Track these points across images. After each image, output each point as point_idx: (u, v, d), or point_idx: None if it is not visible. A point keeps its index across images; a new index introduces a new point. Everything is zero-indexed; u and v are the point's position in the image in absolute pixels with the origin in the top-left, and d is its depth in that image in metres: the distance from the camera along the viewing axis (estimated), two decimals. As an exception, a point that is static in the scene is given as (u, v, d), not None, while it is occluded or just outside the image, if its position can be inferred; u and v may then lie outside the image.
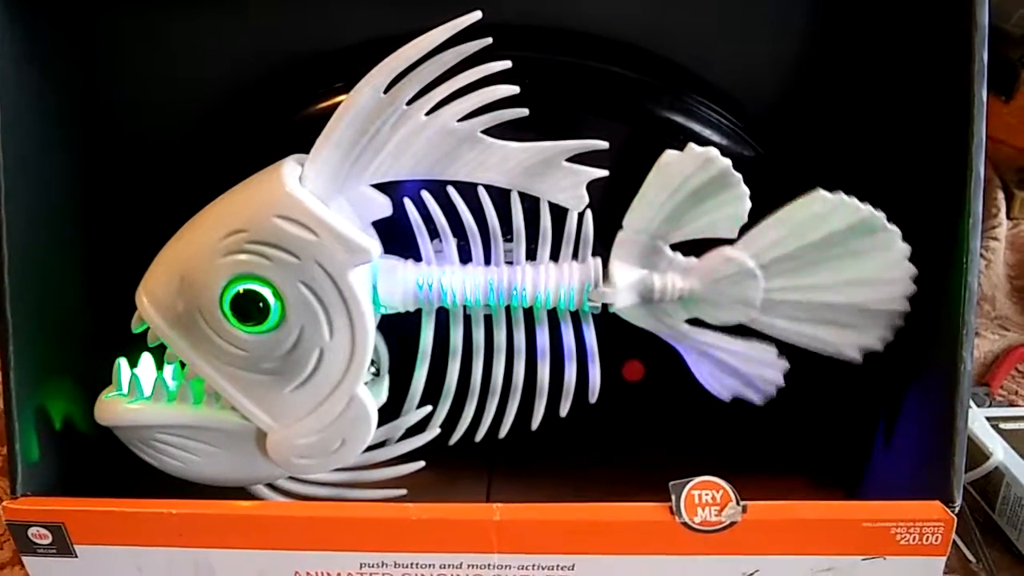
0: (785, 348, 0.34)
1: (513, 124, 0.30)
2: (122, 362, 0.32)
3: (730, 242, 0.32)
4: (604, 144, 0.30)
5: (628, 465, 0.39)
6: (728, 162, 0.30)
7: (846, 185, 0.31)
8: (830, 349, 0.33)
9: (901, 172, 0.35)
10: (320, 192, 0.30)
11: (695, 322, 0.33)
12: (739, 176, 0.30)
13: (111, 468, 0.34)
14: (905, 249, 0.32)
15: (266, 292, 0.29)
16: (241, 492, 0.34)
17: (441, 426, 0.34)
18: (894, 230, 0.31)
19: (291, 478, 0.34)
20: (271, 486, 0.34)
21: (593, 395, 0.34)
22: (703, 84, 0.36)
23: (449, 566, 0.32)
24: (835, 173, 0.32)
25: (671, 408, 0.39)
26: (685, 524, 0.30)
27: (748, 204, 0.31)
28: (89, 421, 0.32)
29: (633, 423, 0.39)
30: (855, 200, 0.31)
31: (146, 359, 0.33)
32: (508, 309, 0.33)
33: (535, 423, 0.34)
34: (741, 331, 0.33)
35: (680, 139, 0.32)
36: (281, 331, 0.30)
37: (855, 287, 0.32)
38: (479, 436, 0.34)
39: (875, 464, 0.38)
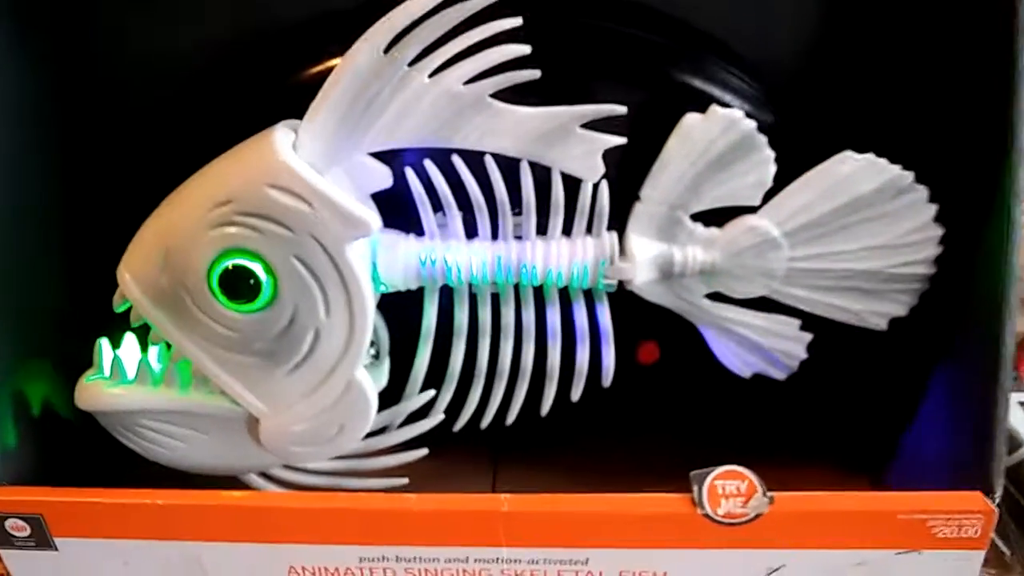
0: (808, 322, 0.33)
1: (521, 90, 0.28)
2: (104, 343, 0.31)
3: (752, 211, 0.31)
4: (622, 109, 0.28)
5: (642, 453, 0.38)
6: (753, 125, 0.29)
7: (869, 152, 0.31)
8: (854, 318, 0.32)
9: (931, 140, 0.33)
10: (315, 161, 0.28)
11: (714, 297, 0.32)
12: (764, 139, 0.30)
13: (93, 456, 0.33)
14: (932, 210, 0.31)
15: (257, 267, 0.28)
16: (232, 481, 0.33)
17: (445, 412, 0.33)
18: (922, 190, 0.31)
19: (285, 466, 0.33)
20: (264, 475, 0.33)
21: (607, 379, 0.33)
22: (721, 47, 0.35)
23: (454, 560, 0.30)
24: (857, 140, 0.31)
25: (688, 391, 0.37)
26: (707, 516, 0.29)
27: (773, 169, 0.30)
28: (69, 406, 0.31)
29: (648, 408, 0.38)
30: (884, 160, 0.30)
31: (129, 340, 0.31)
32: (517, 287, 0.32)
33: (545, 408, 0.33)
34: (760, 304, 0.32)
35: (699, 104, 0.30)
36: (273, 310, 0.28)
37: (880, 252, 0.31)
38: (485, 422, 0.33)
39: (903, 450, 0.36)
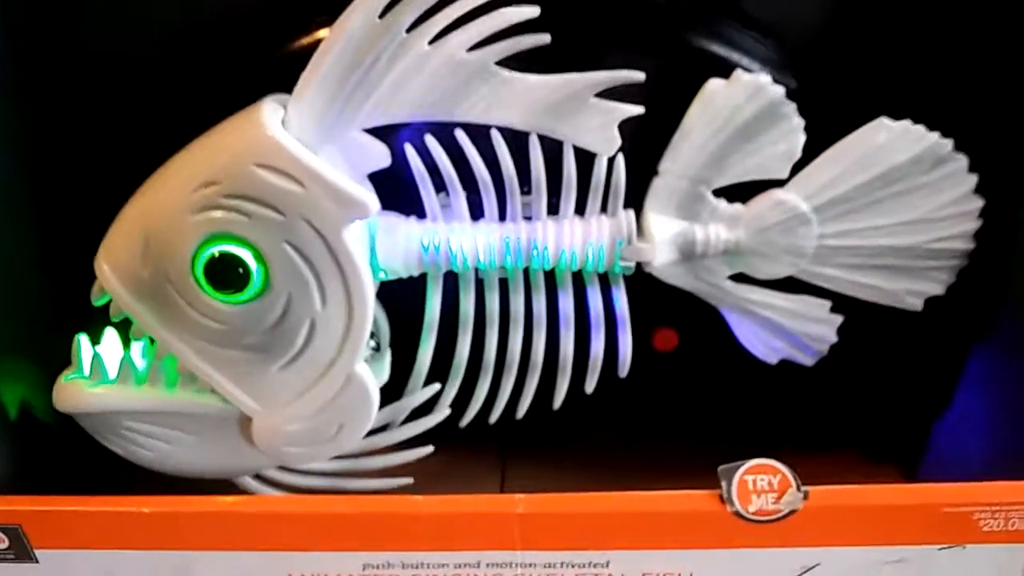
0: (838, 303, 0.31)
1: (528, 59, 0.26)
2: (82, 339, 0.29)
3: (778, 184, 0.29)
4: (640, 75, 0.27)
5: (661, 446, 0.37)
6: (781, 91, 0.28)
7: (903, 119, 0.29)
8: (888, 298, 0.31)
9: (970, 104, 0.32)
10: (306, 137, 0.26)
11: (738, 278, 0.31)
12: (793, 106, 0.28)
13: (75, 461, 0.32)
14: (972, 181, 0.30)
15: (245, 255, 0.26)
16: (225, 485, 0.31)
17: (451, 406, 0.32)
18: (962, 159, 0.29)
19: (281, 468, 0.31)
20: (259, 477, 0.32)
21: (623, 368, 0.31)
22: (737, 9, 0.33)
23: (465, 566, 0.29)
24: (889, 106, 0.30)
25: (707, 380, 0.36)
26: (737, 514, 0.27)
27: (803, 138, 0.28)
28: (48, 407, 0.29)
29: (665, 398, 0.36)
30: (921, 127, 0.29)
31: (110, 335, 0.29)
32: (527, 272, 0.30)
33: (557, 401, 0.31)
34: (786, 285, 0.31)
35: (718, 70, 0.29)
36: (265, 300, 0.27)
37: (917, 226, 0.30)
38: (493, 417, 0.32)
39: (937, 438, 0.35)
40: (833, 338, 0.31)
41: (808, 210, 0.29)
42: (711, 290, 0.30)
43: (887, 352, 0.35)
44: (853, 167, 0.29)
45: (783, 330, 0.31)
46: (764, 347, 0.32)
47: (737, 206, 0.29)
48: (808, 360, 0.32)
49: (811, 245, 0.29)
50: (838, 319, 0.31)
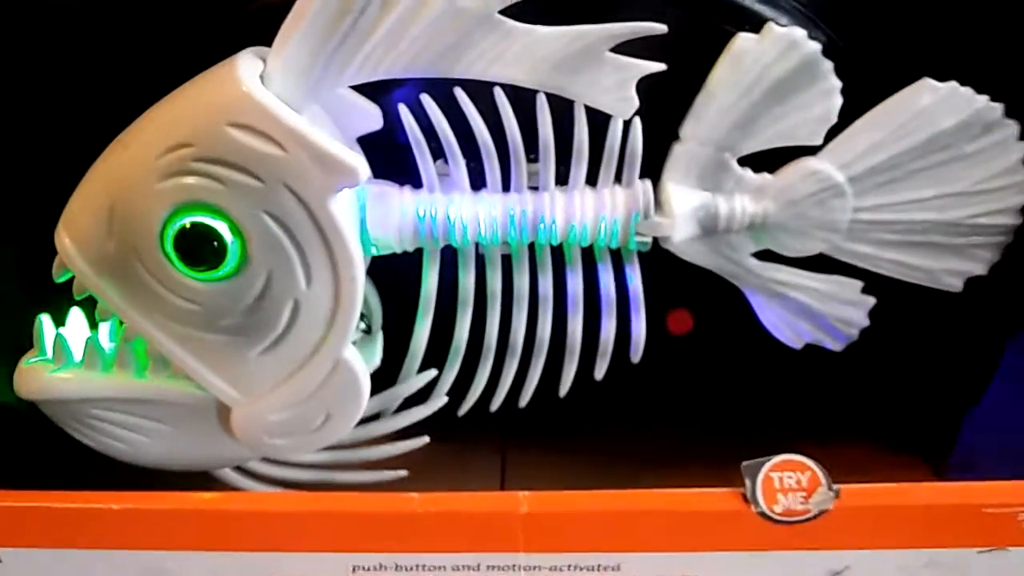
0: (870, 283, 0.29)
1: (534, 9, 0.24)
2: (44, 320, 0.27)
3: (811, 152, 0.27)
4: (662, 27, 0.24)
5: (674, 437, 0.35)
6: (817, 47, 0.25)
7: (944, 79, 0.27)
8: (926, 278, 0.29)
9: (1019, 67, 0.29)
10: (288, 95, 0.24)
11: (763, 256, 0.29)
12: (830, 64, 0.26)
13: (39, 451, 0.30)
14: (1023, 149, 0.27)
15: (220, 226, 0.24)
16: (204, 479, 0.29)
17: (448, 394, 0.30)
18: (1012, 126, 0.27)
19: (265, 459, 0.29)
20: (240, 469, 0.30)
21: (636, 353, 0.29)
22: None
23: (464, 568, 0.27)
24: (929, 66, 0.28)
25: (724, 366, 0.34)
26: (763, 515, 0.26)
27: (839, 101, 0.26)
28: (9, 393, 0.28)
29: (679, 385, 0.34)
30: (969, 90, 0.27)
31: (75, 315, 0.28)
32: (532, 247, 0.28)
33: (564, 388, 0.29)
34: (813, 263, 0.29)
35: (744, 24, 0.27)
36: (242, 278, 0.25)
37: (961, 199, 0.28)
38: (495, 405, 0.30)
39: (970, 429, 0.33)
40: (864, 321, 0.29)
41: (843, 181, 0.27)
42: (733, 268, 0.28)
43: (916, 336, 0.33)
44: (893, 133, 0.27)
45: (811, 313, 0.29)
46: (790, 331, 0.30)
47: (764, 176, 0.27)
48: (837, 345, 0.30)
49: (845, 219, 0.27)
50: (870, 301, 0.29)
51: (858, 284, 0.29)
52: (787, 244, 0.28)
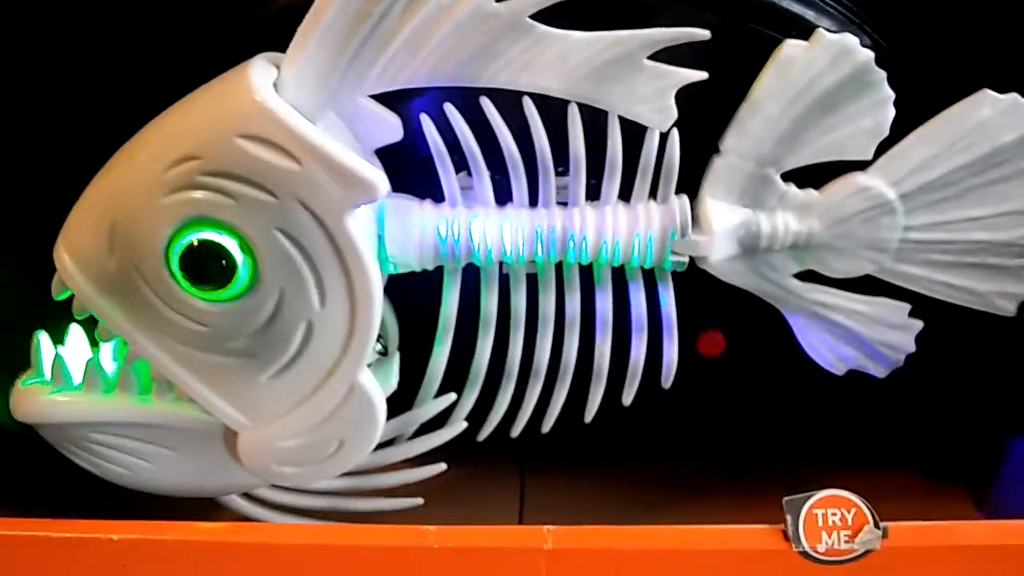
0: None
1: (565, 14, 0.22)
2: (42, 338, 0.26)
3: (859, 167, 0.26)
4: (704, 33, 0.23)
5: (702, 466, 0.34)
6: (870, 55, 0.24)
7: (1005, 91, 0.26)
8: (977, 300, 0.28)
9: None
10: (303, 104, 0.23)
11: (804, 276, 0.27)
12: (883, 74, 0.24)
13: (35, 476, 0.30)
14: None
15: (230, 244, 0.23)
16: (209, 507, 0.28)
17: (467, 418, 0.29)
18: None
19: (274, 485, 0.28)
20: (248, 496, 0.29)
21: (668, 378, 0.28)
22: None
23: None
24: (989, 77, 0.26)
25: (757, 390, 0.33)
26: (804, 554, 0.24)
27: (892, 113, 0.25)
28: (5, 414, 0.27)
29: (710, 410, 0.33)
30: None
31: (75, 334, 0.27)
32: (559, 267, 0.27)
33: (590, 414, 0.28)
34: (857, 285, 0.28)
35: (788, 30, 0.25)
36: (252, 298, 0.24)
37: (1018, 218, 0.26)
38: (515, 431, 0.29)
39: (1012, 458, 0.32)
40: (911, 347, 0.28)
41: (894, 198, 0.25)
42: (773, 290, 0.27)
43: (958, 362, 0.32)
44: (949, 148, 0.25)
45: (855, 337, 0.28)
46: (832, 356, 0.28)
47: (810, 192, 0.26)
48: (881, 372, 0.28)
49: (895, 239, 0.26)
50: (918, 325, 0.28)
51: (905, 307, 0.27)
52: (832, 265, 0.26)
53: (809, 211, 0.26)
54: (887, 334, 0.27)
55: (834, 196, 0.26)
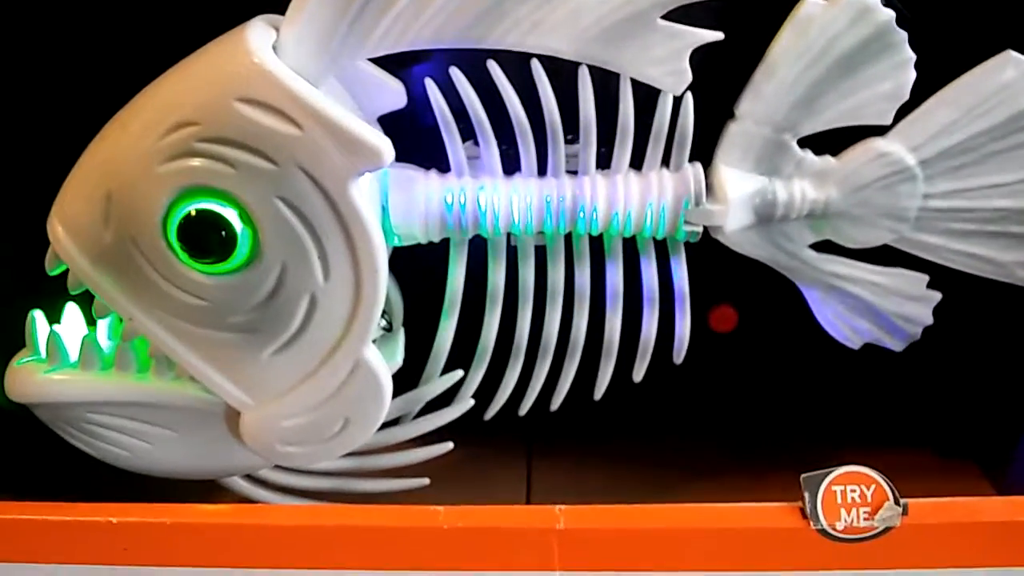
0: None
1: None
2: (37, 316, 0.26)
3: (879, 132, 0.25)
4: None
5: (715, 443, 0.33)
6: (891, 14, 0.23)
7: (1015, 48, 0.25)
8: (997, 271, 0.27)
9: None
10: (304, 67, 0.22)
11: (821, 247, 0.27)
12: (904, 35, 0.24)
13: (32, 458, 0.29)
14: None
15: (229, 214, 0.22)
16: (210, 489, 0.28)
17: (474, 396, 0.28)
18: None
19: (277, 466, 0.28)
20: (250, 478, 0.28)
21: (679, 353, 0.27)
22: None
23: None
24: (1012, 37, 0.26)
25: (768, 366, 0.32)
26: (823, 532, 0.24)
27: (912, 76, 0.24)
28: (2, 395, 0.26)
29: (721, 387, 0.33)
30: None
31: (71, 312, 0.26)
32: (568, 238, 0.26)
33: (600, 390, 0.28)
34: (873, 255, 0.27)
35: None
36: (253, 271, 0.23)
37: None
38: (523, 409, 0.28)
39: None
40: (928, 319, 0.27)
41: (914, 164, 0.25)
42: (789, 261, 0.26)
43: (973, 335, 0.31)
44: (971, 112, 0.25)
45: (872, 309, 0.27)
46: (848, 329, 0.28)
47: (827, 159, 0.25)
48: (898, 345, 0.28)
49: (914, 207, 0.26)
50: (935, 297, 0.27)
51: (924, 278, 0.27)
52: (850, 234, 0.26)
53: (826, 178, 0.25)
54: (904, 306, 0.27)
55: (852, 163, 0.25)
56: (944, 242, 0.26)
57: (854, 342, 0.28)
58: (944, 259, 0.26)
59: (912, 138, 0.25)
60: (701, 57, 0.23)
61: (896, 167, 0.25)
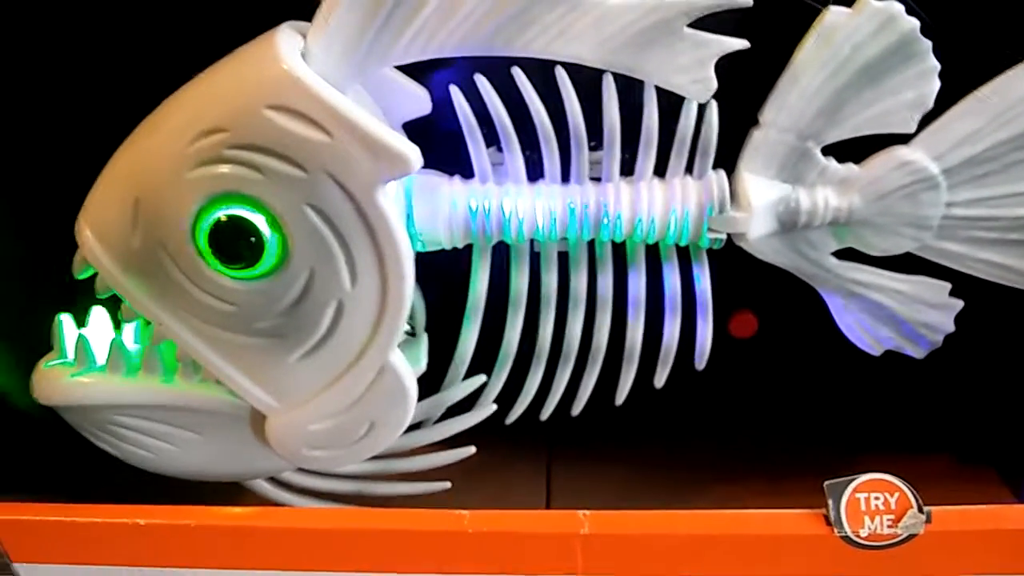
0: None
1: None
2: (64, 319, 0.26)
3: (902, 140, 0.25)
4: (747, 0, 0.22)
5: (735, 449, 0.33)
6: (915, 23, 0.23)
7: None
8: (1019, 279, 0.27)
9: None
10: (331, 74, 0.22)
11: (844, 254, 0.26)
12: (928, 44, 0.23)
13: (60, 460, 0.29)
14: None
15: (258, 220, 0.22)
16: (234, 491, 0.28)
17: (497, 400, 0.28)
18: None
19: (301, 469, 0.28)
20: (273, 480, 0.28)
21: (701, 359, 0.27)
22: None
23: None
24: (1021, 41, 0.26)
25: (788, 372, 0.32)
26: (847, 539, 0.23)
27: (936, 85, 0.24)
28: (29, 397, 0.26)
29: (740, 392, 0.32)
30: None
31: (98, 315, 0.26)
32: (591, 244, 0.26)
33: (621, 396, 0.27)
34: (895, 263, 0.27)
35: (827, 1, 0.24)
36: (282, 276, 0.23)
37: None
38: (545, 413, 0.28)
39: None
40: (950, 327, 0.27)
41: (937, 172, 0.25)
42: (811, 268, 0.26)
43: (994, 340, 0.31)
44: (994, 121, 0.24)
45: (893, 317, 0.27)
46: (869, 337, 0.27)
47: (850, 167, 0.25)
48: (919, 353, 0.28)
49: (937, 215, 0.25)
50: (957, 305, 0.27)
51: (946, 286, 0.26)
52: (872, 242, 0.25)
53: (850, 186, 0.25)
54: (926, 314, 0.27)
55: (875, 171, 0.25)
56: (966, 250, 0.26)
57: (875, 349, 0.28)
58: (966, 267, 0.26)
59: (935, 147, 0.25)
60: (725, 65, 0.23)
61: (919, 175, 0.25)
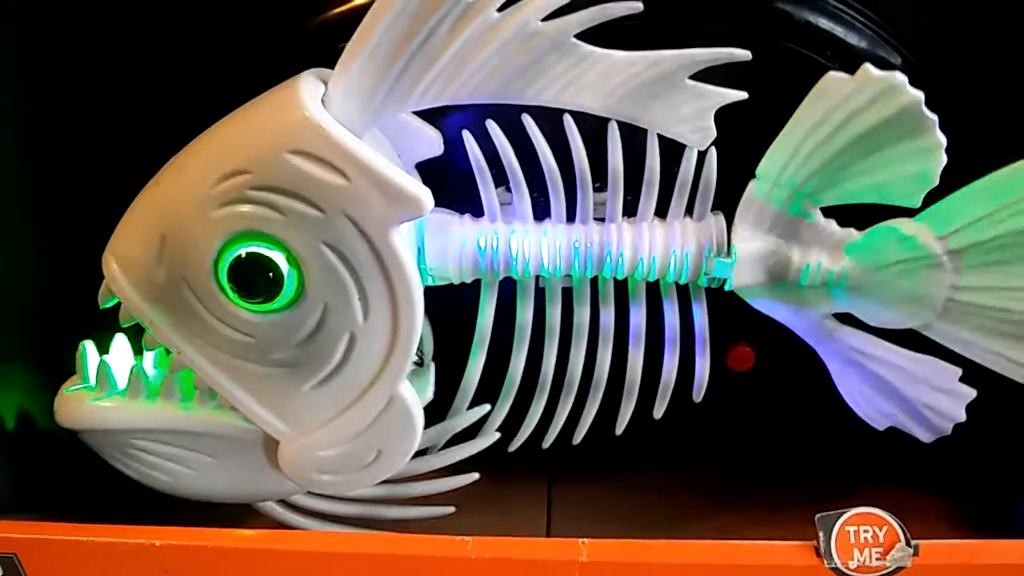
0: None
1: (607, 34, 0.23)
2: (88, 346, 0.26)
3: (907, 213, 0.24)
4: (746, 53, 0.23)
5: (730, 479, 0.33)
6: (920, 96, 0.23)
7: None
8: None
9: None
10: (349, 120, 0.23)
11: (847, 319, 0.26)
12: (934, 119, 0.23)
13: (78, 482, 0.30)
14: None
15: (277, 257, 0.23)
16: (246, 513, 0.28)
17: (500, 428, 0.28)
18: None
19: (311, 492, 0.28)
20: (283, 502, 0.29)
21: (699, 392, 0.28)
22: None
23: None
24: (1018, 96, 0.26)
25: (785, 405, 0.32)
26: (836, 570, 0.24)
27: (942, 160, 0.23)
28: (50, 420, 0.27)
29: (738, 425, 0.33)
30: None
31: (120, 342, 0.27)
32: (594, 281, 0.27)
33: (621, 426, 0.28)
34: (903, 337, 0.26)
35: (826, 52, 0.26)
36: (298, 310, 0.24)
37: None
38: (547, 442, 0.28)
39: None
40: (960, 416, 0.26)
41: (940, 252, 0.24)
42: (807, 327, 0.26)
43: (985, 378, 0.30)
44: (1006, 208, 0.23)
45: (895, 394, 0.26)
46: (870, 408, 0.27)
47: (849, 231, 0.25)
48: (925, 435, 0.27)
49: (941, 296, 0.24)
50: (971, 393, 0.26)
51: (956, 371, 0.25)
52: (869, 312, 0.25)
53: (845, 251, 0.25)
54: (932, 397, 0.26)
55: (873, 240, 0.24)
56: (976, 338, 0.25)
57: (878, 423, 0.27)
58: (976, 356, 0.25)
59: (940, 225, 0.24)
60: (723, 113, 0.23)
61: (919, 252, 0.24)
